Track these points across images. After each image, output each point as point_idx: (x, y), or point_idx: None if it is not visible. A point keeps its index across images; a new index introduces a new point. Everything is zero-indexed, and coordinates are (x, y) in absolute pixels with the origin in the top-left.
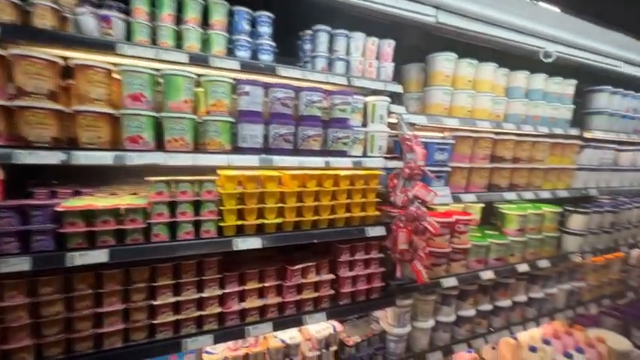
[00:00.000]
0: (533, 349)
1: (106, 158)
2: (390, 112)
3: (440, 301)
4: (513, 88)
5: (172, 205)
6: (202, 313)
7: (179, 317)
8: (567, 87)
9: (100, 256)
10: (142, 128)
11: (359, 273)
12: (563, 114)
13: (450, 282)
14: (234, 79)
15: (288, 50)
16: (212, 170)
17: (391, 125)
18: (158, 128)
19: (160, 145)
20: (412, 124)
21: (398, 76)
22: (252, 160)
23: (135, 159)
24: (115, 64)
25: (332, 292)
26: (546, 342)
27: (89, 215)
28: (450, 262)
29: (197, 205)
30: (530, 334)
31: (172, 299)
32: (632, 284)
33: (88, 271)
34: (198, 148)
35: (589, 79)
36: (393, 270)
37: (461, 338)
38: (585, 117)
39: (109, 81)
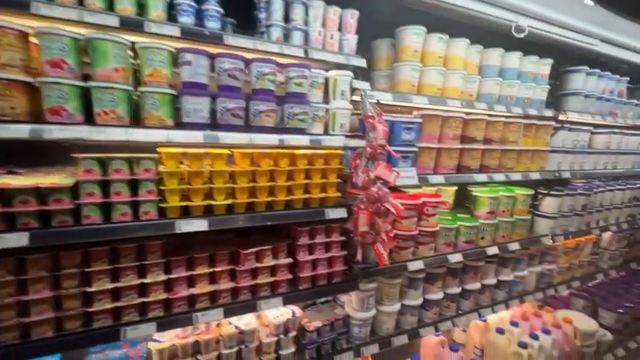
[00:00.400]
0: (500, 331)
1: (20, 131)
2: (353, 89)
3: (407, 284)
4: (487, 67)
5: (105, 185)
6: (146, 299)
7: (119, 304)
8: (543, 66)
9: (19, 239)
10: (65, 99)
11: (319, 257)
12: (538, 94)
13: (417, 265)
14: (176, 49)
15: (249, 24)
16: (156, 148)
17: (356, 103)
18: (89, 100)
19: (90, 119)
20: (377, 102)
21: (368, 53)
22: (196, 136)
23: (55, 132)
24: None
25: (290, 276)
26: (514, 324)
27: (4, 195)
28: (417, 246)
29: (134, 185)
30: (499, 317)
31: (110, 285)
32: (603, 266)
33: (9, 256)
34: (137, 123)
35: (566, 59)
36: (355, 252)
37: (428, 321)
38: (561, 98)
39: (24, 45)
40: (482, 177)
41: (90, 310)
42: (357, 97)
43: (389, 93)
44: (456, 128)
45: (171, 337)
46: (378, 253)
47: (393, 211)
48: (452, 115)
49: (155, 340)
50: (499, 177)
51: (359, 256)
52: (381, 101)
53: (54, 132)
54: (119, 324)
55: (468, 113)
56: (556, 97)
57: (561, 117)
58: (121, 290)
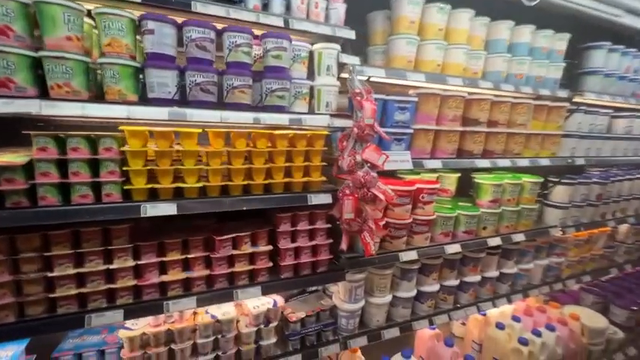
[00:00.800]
0: (500, 326)
1: None
2: (341, 64)
3: (399, 275)
4: (494, 41)
5: (62, 165)
6: (113, 286)
7: (83, 290)
8: (559, 42)
9: None
10: (12, 70)
11: (302, 245)
12: (552, 73)
13: (410, 255)
14: (138, 17)
15: None
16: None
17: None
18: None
19: (46, 93)
20: (368, 80)
21: (364, 27)
22: (161, 113)
23: (1, 107)
24: None
25: (271, 264)
26: (516, 319)
27: None
28: (411, 235)
29: (95, 166)
30: (500, 311)
31: (73, 270)
32: (618, 261)
33: None
34: (98, 98)
35: (586, 33)
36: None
37: (422, 314)
38: (578, 77)
39: None
40: (484, 162)
41: (53, 295)
42: (346, 75)
43: (382, 69)
44: (456, 109)
45: (144, 326)
46: (364, 242)
47: (381, 197)
48: (452, 94)
49: (127, 328)
50: (504, 163)
51: (343, 245)
52: (373, 79)
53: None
54: (84, 311)
55: (470, 93)
56: (572, 76)
57: (577, 99)
58: (86, 276)
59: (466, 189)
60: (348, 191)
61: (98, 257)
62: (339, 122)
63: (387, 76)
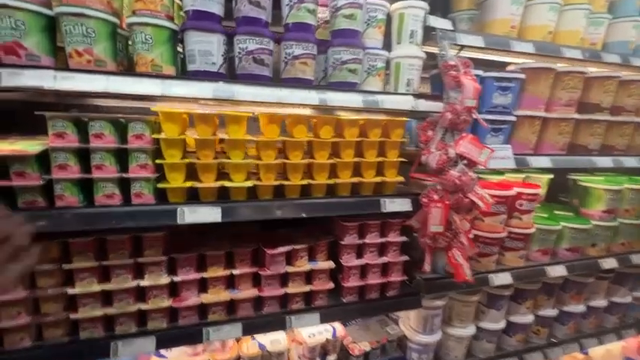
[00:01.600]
0: None
1: None
2: (428, 29)
3: (485, 302)
4: (622, 2)
5: (84, 156)
6: (144, 306)
7: (109, 312)
8: None
9: None
10: (23, 32)
11: (370, 261)
12: None
13: (502, 279)
14: None
15: None
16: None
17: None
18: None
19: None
20: (460, 48)
21: None
22: (203, 90)
23: (4, 79)
24: None
25: (331, 285)
26: None
27: None
28: (503, 252)
29: (122, 157)
30: (606, 349)
31: (97, 287)
32: None
33: None
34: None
35: None
36: (420, 258)
37: (510, 350)
38: None
39: None
40: (605, 161)
41: (74, 316)
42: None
43: (478, 36)
44: (572, 90)
45: (179, 354)
46: (454, 262)
47: (480, 205)
48: (570, 69)
49: (161, 356)
50: (630, 162)
51: (427, 266)
52: (464, 50)
53: (4, 78)
54: (110, 336)
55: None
56: None
57: None
58: (113, 293)
59: (554, 193)
60: (436, 196)
61: (127, 271)
62: (425, 105)
63: (487, 45)
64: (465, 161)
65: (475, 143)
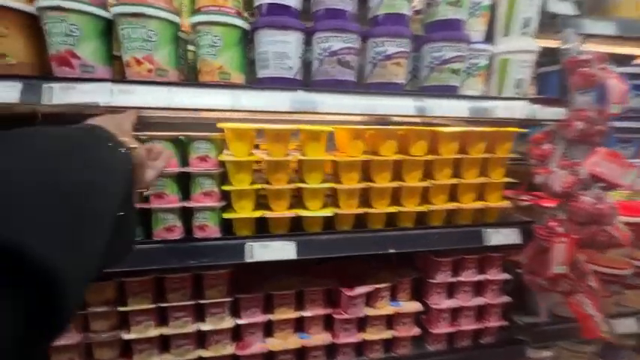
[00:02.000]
0: None
1: (9, 92)
2: (550, 16)
3: (601, 353)
4: None
5: None
6: (204, 354)
7: (166, 359)
8: None
9: None
10: (76, 38)
11: (464, 303)
12: None
13: (628, 325)
14: None
15: None
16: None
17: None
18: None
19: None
20: (584, 39)
21: None
22: (279, 100)
23: (55, 95)
24: None
25: (417, 331)
26: None
27: None
28: (623, 290)
29: (184, 182)
30: None
31: (155, 331)
32: None
33: None
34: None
35: None
36: (521, 299)
37: None
38: None
39: None
40: None
41: None
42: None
43: (608, 22)
44: None
45: None
46: (582, 314)
47: (619, 238)
48: None
49: None
50: None
51: (544, 315)
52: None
53: (55, 94)
54: None
55: None
56: None
57: None
58: (171, 339)
59: None
60: (560, 228)
61: (186, 314)
62: (545, 113)
63: (619, 31)
64: (602, 184)
65: (615, 160)
